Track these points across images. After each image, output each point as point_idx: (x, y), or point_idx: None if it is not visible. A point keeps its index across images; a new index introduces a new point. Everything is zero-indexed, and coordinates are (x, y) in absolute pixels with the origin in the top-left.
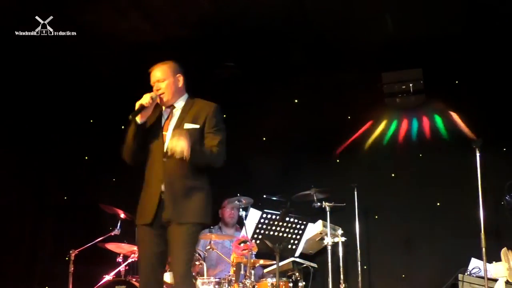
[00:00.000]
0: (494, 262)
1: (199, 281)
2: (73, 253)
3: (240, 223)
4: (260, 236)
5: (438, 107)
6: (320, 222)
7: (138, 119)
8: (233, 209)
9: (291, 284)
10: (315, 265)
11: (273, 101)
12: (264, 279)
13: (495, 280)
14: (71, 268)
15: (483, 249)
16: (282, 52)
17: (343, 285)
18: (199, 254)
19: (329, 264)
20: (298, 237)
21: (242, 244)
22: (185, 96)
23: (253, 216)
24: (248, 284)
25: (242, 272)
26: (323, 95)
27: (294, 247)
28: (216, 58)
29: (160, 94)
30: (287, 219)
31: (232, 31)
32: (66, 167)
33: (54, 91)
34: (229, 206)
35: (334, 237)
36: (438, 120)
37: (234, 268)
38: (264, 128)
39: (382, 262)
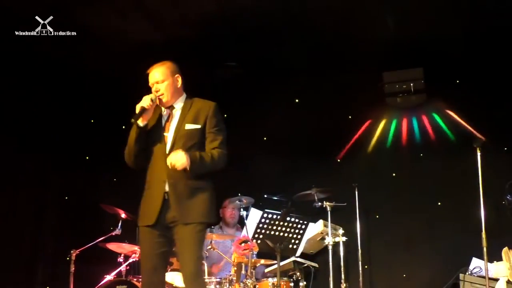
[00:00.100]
0: (495, 261)
1: None
2: (74, 253)
3: (241, 222)
4: (261, 236)
5: (439, 107)
6: (321, 221)
7: (140, 122)
8: (234, 209)
9: (292, 284)
10: (316, 265)
11: (274, 101)
12: (265, 278)
13: (496, 280)
14: (72, 268)
15: (484, 249)
16: (283, 52)
17: (344, 285)
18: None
19: (330, 263)
20: (299, 236)
21: (243, 244)
22: (184, 96)
23: (254, 216)
24: (249, 284)
25: (243, 272)
26: (323, 94)
27: (295, 246)
28: (217, 58)
29: (159, 96)
30: (288, 218)
31: (233, 31)
32: (67, 167)
33: (54, 91)
34: (230, 206)
35: (335, 237)
36: (439, 119)
37: (235, 268)
38: (265, 128)
39: (383, 262)
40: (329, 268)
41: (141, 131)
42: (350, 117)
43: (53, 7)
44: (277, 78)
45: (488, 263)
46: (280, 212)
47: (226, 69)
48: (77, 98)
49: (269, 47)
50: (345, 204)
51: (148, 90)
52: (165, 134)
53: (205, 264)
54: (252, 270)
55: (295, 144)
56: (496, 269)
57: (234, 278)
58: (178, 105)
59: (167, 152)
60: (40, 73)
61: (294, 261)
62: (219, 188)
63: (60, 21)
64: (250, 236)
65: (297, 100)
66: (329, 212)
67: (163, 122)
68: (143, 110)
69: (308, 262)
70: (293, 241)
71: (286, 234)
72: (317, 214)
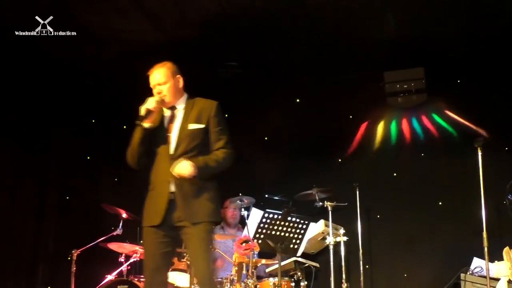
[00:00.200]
0: (496, 261)
1: None
2: (75, 253)
3: (242, 222)
4: (262, 236)
5: (440, 107)
6: (322, 221)
7: (146, 124)
8: (235, 209)
9: (293, 284)
10: (317, 265)
11: (275, 101)
12: (266, 278)
13: (497, 280)
14: (73, 268)
15: (485, 248)
16: (284, 51)
17: (345, 285)
18: None
19: (331, 263)
20: (300, 236)
21: (244, 244)
22: (185, 96)
23: (255, 216)
24: (250, 284)
25: (244, 271)
26: (324, 94)
27: (296, 246)
28: (218, 58)
29: (162, 97)
30: (289, 218)
31: (234, 30)
32: (68, 167)
33: (56, 91)
34: (231, 206)
35: (336, 237)
36: (440, 119)
37: (236, 268)
38: (266, 128)
39: (384, 262)
40: (330, 268)
41: (146, 133)
42: (351, 116)
43: (53, 7)
44: (278, 78)
45: (489, 263)
46: (281, 212)
47: (227, 69)
48: (79, 98)
49: (270, 47)
50: (346, 204)
51: (149, 91)
52: (168, 134)
53: None
54: (253, 270)
55: (296, 144)
56: (497, 268)
57: (235, 278)
58: (180, 106)
59: (171, 152)
60: (42, 73)
61: (295, 261)
62: (220, 188)
63: (60, 21)
64: (251, 236)
65: (298, 100)
66: (330, 212)
67: (166, 122)
68: (149, 112)
69: (309, 262)
70: (294, 241)
71: (287, 234)
72: (318, 214)
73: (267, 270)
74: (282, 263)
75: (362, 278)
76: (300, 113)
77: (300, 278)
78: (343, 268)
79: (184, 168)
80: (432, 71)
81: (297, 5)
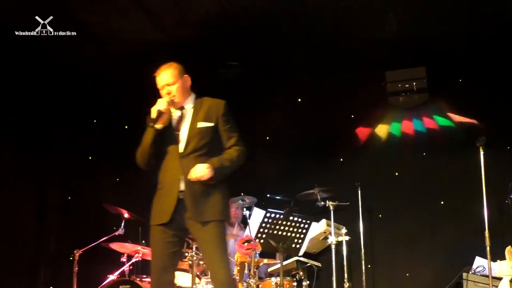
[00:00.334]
0: (498, 260)
1: (203, 281)
2: (77, 253)
3: (244, 222)
4: (264, 236)
5: (441, 106)
6: (324, 221)
7: (158, 125)
8: (237, 209)
9: (295, 283)
10: (319, 264)
11: (276, 100)
12: (268, 278)
13: (500, 279)
14: (75, 268)
15: (488, 248)
16: (285, 51)
17: (347, 284)
18: None
19: (333, 263)
20: (302, 236)
21: (246, 244)
22: (193, 96)
23: (257, 215)
24: (252, 284)
25: (246, 271)
26: (326, 94)
27: (298, 246)
28: (219, 58)
29: (172, 97)
30: (291, 218)
31: (235, 30)
32: (69, 167)
33: (56, 91)
34: (233, 205)
35: (338, 236)
36: (441, 118)
37: (238, 268)
38: (268, 127)
39: (386, 261)
40: (332, 267)
41: (157, 134)
42: (352, 116)
43: (53, 7)
44: (280, 78)
45: (492, 262)
46: (283, 212)
47: (227, 69)
48: (80, 98)
49: (270, 46)
50: (348, 203)
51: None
52: (177, 133)
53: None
54: (255, 270)
55: (297, 144)
56: (499, 268)
57: (237, 277)
58: (189, 105)
59: (181, 151)
60: (43, 73)
61: (297, 261)
62: None
63: (60, 21)
64: (253, 235)
65: (299, 100)
66: (332, 212)
67: (175, 122)
68: (161, 113)
69: (311, 262)
70: (296, 240)
71: (289, 234)
72: (320, 214)
73: (269, 270)
74: (284, 263)
75: (364, 277)
76: (301, 113)
77: (302, 277)
78: (345, 267)
79: (202, 171)
80: (433, 71)
81: (298, 5)
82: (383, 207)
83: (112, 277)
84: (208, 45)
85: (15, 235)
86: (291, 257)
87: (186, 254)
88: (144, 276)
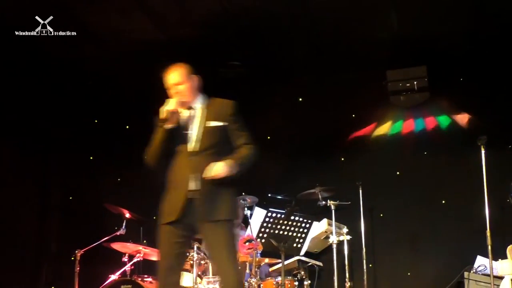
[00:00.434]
0: (500, 259)
1: (204, 280)
2: (78, 253)
3: (245, 222)
4: (265, 235)
5: (442, 105)
6: (325, 220)
7: (167, 125)
8: (238, 208)
9: (296, 283)
10: (320, 264)
11: (277, 100)
12: (269, 277)
13: (501, 278)
14: (77, 268)
15: (489, 247)
16: (286, 50)
17: (349, 284)
18: (205, 254)
19: (335, 262)
20: (303, 235)
21: (247, 243)
22: (201, 96)
23: (258, 215)
24: (253, 283)
25: (247, 271)
26: (327, 93)
27: (299, 245)
28: (219, 58)
29: (182, 97)
30: (292, 217)
31: (236, 30)
32: (70, 167)
33: (58, 91)
34: None
35: (339, 236)
36: (443, 118)
37: (240, 267)
38: (269, 127)
39: (387, 260)
40: (333, 267)
41: (167, 134)
42: (353, 115)
43: (53, 7)
44: (281, 77)
45: (493, 261)
46: (284, 211)
47: (228, 69)
48: (81, 98)
49: (272, 46)
50: (349, 202)
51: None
52: (187, 133)
53: (210, 263)
54: (256, 269)
55: (298, 143)
56: (501, 267)
57: None
58: (198, 105)
59: (192, 149)
60: (44, 73)
61: (299, 260)
62: None
63: (60, 21)
64: (254, 235)
65: (300, 99)
66: (333, 211)
67: (184, 122)
68: (170, 113)
69: (312, 261)
70: (297, 240)
71: (290, 233)
72: (321, 213)
73: (270, 269)
74: (286, 262)
75: (365, 277)
76: (302, 112)
77: (304, 277)
78: (347, 267)
79: (219, 168)
80: (434, 70)
81: (299, 5)
82: (384, 207)
83: (113, 277)
84: (208, 45)
85: (17, 235)
86: (293, 256)
87: (187, 254)
88: (146, 276)
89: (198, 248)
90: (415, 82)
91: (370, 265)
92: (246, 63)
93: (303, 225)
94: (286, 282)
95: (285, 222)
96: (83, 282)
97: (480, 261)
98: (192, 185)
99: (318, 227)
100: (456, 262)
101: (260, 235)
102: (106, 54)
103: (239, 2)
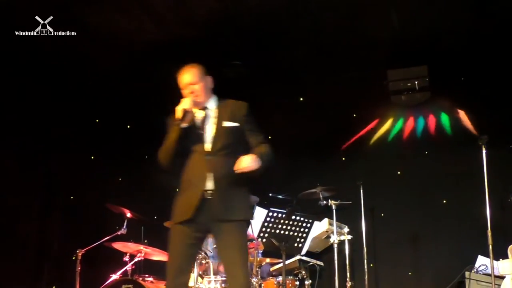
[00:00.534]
0: (501, 259)
1: (205, 280)
2: (80, 253)
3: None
4: (266, 235)
5: (443, 105)
6: (326, 220)
7: (184, 124)
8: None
9: (297, 283)
10: (321, 263)
11: (278, 100)
12: (270, 277)
13: (502, 277)
14: (78, 268)
15: (490, 246)
16: (287, 50)
17: (350, 283)
18: (206, 253)
19: (336, 262)
20: (304, 235)
21: (248, 243)
22: (215, 97)
23: (259, 215)
24: (254, 283)
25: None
26: (328, 93)
27: (300, 245)
28: (221, 57)
29: (196, 97)
30: (293, 217)
31: (237, 29)
32: (72, 167)
33: (60, 91)
34: None
35: (340, 235)
36: (444, 117)
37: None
38: (269, 127)
39: (388, 260)
40: (334, 266)
41: (182, 133)
42: (354, 115)
43: (53, 7)
44: (282, 77)
45: (494, 261)
46: (285, 211)
47: (230, 68)
48: (82, 98)
49: (273, 45)
50: (350, 202)
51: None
52: (202, 133)
53: (211, 263)
54: (257, 269)
55: (299, 143)
56: (502, 266)
57: None
58: (211, 105)
59: (208, 149)
60: (46, 74)
61: (300, 260)
62: None
63: (60, 21)
64: (256, 235)
65: (301, 99)
66: (334, 211)
67: (199, 122)
68: (186, 112)
69: (313, 261)
70: (298, 239)
71: (291, 233)
72: (322, 213)
73: (271, 269)
74: (287, 262)
75: (366, 276)
76: (303, 112)
77: (305, 276)
78: (348, 266)
79: (251, 161)
80: (435, 69)
81: (300, 4)
82: (385, 206)
83: (114, 277)
84: (209, 45)
85: (18, 235)
86: (294, 256)
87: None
88: (147, 275)
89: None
90: (416, 82)
91: (371, 265)
92: (246, 63)
93: (304, 224)
94: (287, 281)
95: (286, 221)
96: (84, 281)
97: (481, 261)
98: (209, 185)
99: (319, 227)
100: (457, 262)
101: (261, 234)
102: (106, 54)
103: (240, 2)
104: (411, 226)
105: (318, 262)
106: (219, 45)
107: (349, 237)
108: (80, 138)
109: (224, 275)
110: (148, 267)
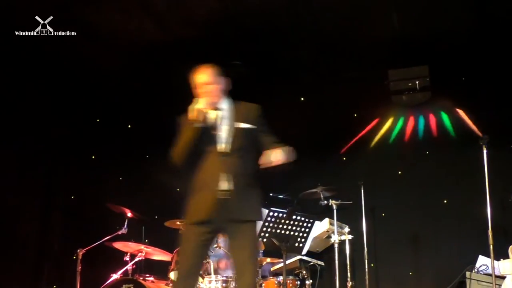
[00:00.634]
0: (501, 259)
1: (206, 280)
2: (80, 252)
3: None
4: (267, 235)
5: (444, 104)
6: (326, 220)
7: (198, 123)
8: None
9: (298, 282)
10: (322, 263)
11: (279, 99)
12: (271, 277)
13: (503, 277)
14: (79, 267)
15: (491, 246)
16: (288, 50)
17: (350, 283)
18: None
19: (336, 262)
20: (305, 235)
21: None
22: (228, 98)
23: None
24: None
25: None
26: (329, 93)
27: (301, 245)
28: (221, 57)
29: (211, 97)
30: (294, 217)
31: (238, 30)
32: (73, 166)
33: (60, 91)
34: None
35: (341, 235)
36: (445, 117)
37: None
38: (270, 126)
39: (389, 260)
40: (335, 266)
41: (197, 132)
42: (355, 115)
43: (53, 7)
44: (282, 77)
45: (495, 261)
46: (285, 211)
47: (231, 68)
48: (83, 98)
49: (274, 45)
50: (351, 202)
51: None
52: (216, 133)
53: (211, 263)
54: (258, 269)
55: (300, 143)
56: (502, 266)
57: None
58: (225, 106)
59: (223, 150)
60: (47, 74)
61: (300, 260)
62: None
63: (60, 21)
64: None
65: (302, 99)
66: (335, 211)
67: (213, 122)
68: (200, 112)
69: (314, 261)
70: (299, 239)
71: (292, 233)
72: (323, 213)
73: (272, 269)
74: (287, 262)
75: (367, 276)
76: (304, 112)
77: (305, 276)
78: (348, 266)
79: (279, 154)
80: (436, 69)
81: (300, 4)
82: (386, 206)
83: (115, 276)
84: (209, 45)
85: (19, 234)
86: (294, 256)
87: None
88: (147, 275)
89: None
90: (417, 82)
91: (372, 265)
92: (247, 63)
93: (305, 224)
94: (288, 281)
95: (287, 221)
96: (85, 281)
97: (482, 261)
98: (225, 185)
99: (320, 227)
100: (457, 262)
101: (262, 234)
102: (106, 54)
103: (241, 1)
104: (411, 226)
105: (319, 262)
106: (219, 45)
107: (350, 237)
108: (81, 138)
109: (224, 275)
110: (148, 266)
